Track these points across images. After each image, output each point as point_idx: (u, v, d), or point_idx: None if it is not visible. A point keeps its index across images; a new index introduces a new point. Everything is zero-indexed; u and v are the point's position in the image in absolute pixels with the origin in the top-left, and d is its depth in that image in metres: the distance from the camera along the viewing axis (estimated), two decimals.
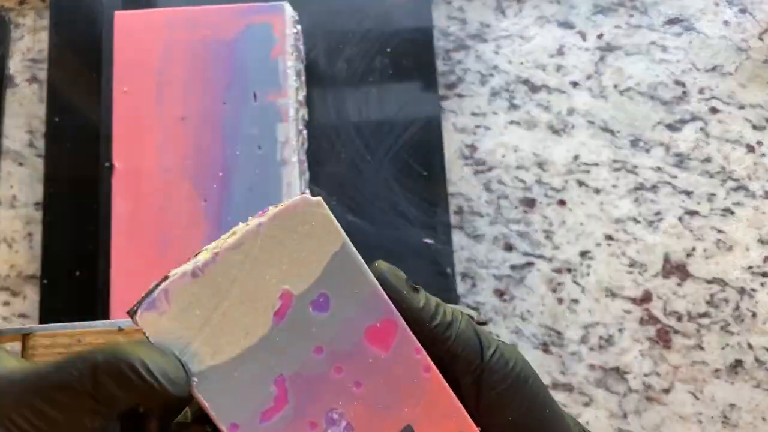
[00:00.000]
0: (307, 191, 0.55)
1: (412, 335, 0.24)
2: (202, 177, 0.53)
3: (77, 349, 0.43)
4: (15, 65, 0.65)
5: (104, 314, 0.51)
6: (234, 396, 0.23)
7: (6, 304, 0.59)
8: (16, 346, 0.45)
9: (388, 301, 0.24)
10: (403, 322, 0.24)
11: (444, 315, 0.25)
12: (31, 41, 0.66)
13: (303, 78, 0.59)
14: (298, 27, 0.59)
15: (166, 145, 0.53)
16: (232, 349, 0.23)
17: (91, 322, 0.44)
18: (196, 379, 0.23)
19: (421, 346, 0.24)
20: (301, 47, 0.60)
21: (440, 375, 0.24)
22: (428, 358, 0.24)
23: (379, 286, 0.24)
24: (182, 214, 0.52)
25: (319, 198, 0.24)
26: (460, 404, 0.24)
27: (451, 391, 0.24)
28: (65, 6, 0.63)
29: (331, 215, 0.24)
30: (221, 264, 0.23)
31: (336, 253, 0.24)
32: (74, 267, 0.57)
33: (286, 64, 0.55)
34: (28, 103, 0.64)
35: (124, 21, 0.56)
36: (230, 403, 0.23)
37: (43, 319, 0.56)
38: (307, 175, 0.56)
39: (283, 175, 0.53)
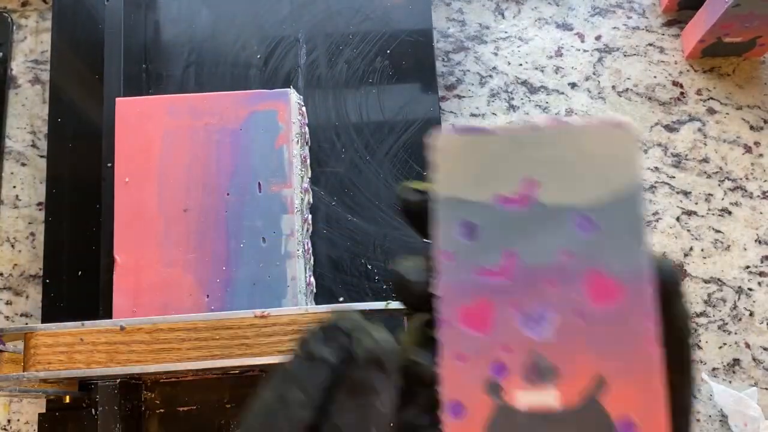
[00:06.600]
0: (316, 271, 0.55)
1: (651, 305, 0.22)
2: (205, 271, 0.51)
3: (80, 348, 0.44)
4: (18, 66, 0.66)
5: (106, 314, 0.51)
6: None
7: (9, 303, 0.60)
8: (19, 345, 0.46)
9: (649, 272, 0.22)
10: (651, 287, 0.22)
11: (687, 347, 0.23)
12: (34, 42, 0.66)
13: (308, 162, 0.57)
14: (304, 110, 0.58)
15: (168, 239, 0.52)
16: (480, 196, 0.23)
17: (93, 321, 0.45)
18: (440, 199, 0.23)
19: (656, 319, 0.22)
20: (306, 130, 0.58)
21: (661, 358, 0.22)
22: (658, 335, 0.22)
23: (648, 252, 0.22)
24: (184, 310, 0.50)
25: (636, 128, 0.23)
26: (664, 392, 0.22)
27: (663, 376, 0.22)
28: (68, 7, 0.63)
29: (639, 150, 0.23)
30: (512, 132, 0.23)
31: (626, 188, 0.23)
32: (76, 267, 0.57)
33: (291, 152, 0.53)
34: (30, 104, 0.65)
35: (125, 108, 0.54)
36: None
37: (46, 318, 0.56)
38: (312, 262, 0.55)
39: (287, 269, 0.51)
